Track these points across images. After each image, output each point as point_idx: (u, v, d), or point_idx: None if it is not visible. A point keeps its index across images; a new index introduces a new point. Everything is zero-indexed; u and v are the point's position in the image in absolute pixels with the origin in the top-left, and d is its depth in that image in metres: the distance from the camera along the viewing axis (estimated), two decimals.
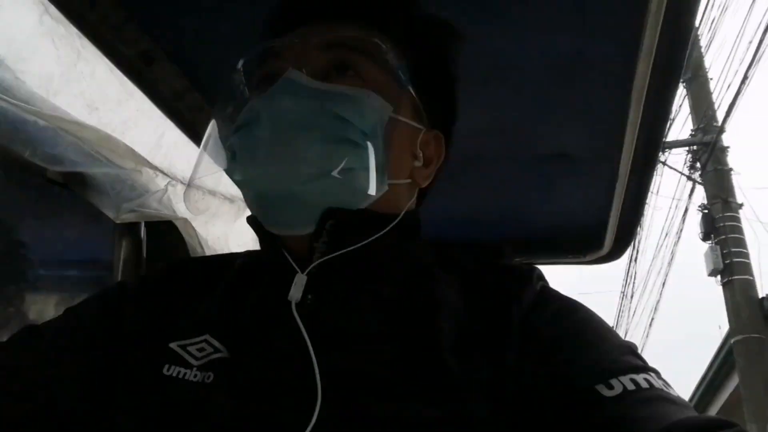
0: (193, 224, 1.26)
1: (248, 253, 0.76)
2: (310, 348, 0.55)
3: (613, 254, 1.44)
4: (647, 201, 1.13)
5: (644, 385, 0.51)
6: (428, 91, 0.70)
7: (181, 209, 1.22)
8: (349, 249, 0.60)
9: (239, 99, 0.68)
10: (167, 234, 1.29)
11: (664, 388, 0.52)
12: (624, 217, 1.21)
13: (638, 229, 1.29)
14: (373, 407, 0.53)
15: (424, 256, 0.69)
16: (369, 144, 0.60)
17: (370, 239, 0.61)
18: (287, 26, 0.68)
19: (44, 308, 1.19)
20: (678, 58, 0.74)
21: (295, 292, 0.59)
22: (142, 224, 1.29)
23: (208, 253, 1.32)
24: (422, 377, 0.55)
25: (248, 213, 0.69)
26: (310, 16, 0.68)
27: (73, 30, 0.93)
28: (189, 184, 0.71)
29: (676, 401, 0.51)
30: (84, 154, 1.12)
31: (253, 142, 0.60)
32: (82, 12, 0.88)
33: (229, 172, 0.64)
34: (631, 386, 0.51)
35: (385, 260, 0.64)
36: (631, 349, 0.58)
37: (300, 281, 0.59)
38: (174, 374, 0.57)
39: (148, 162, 1.14)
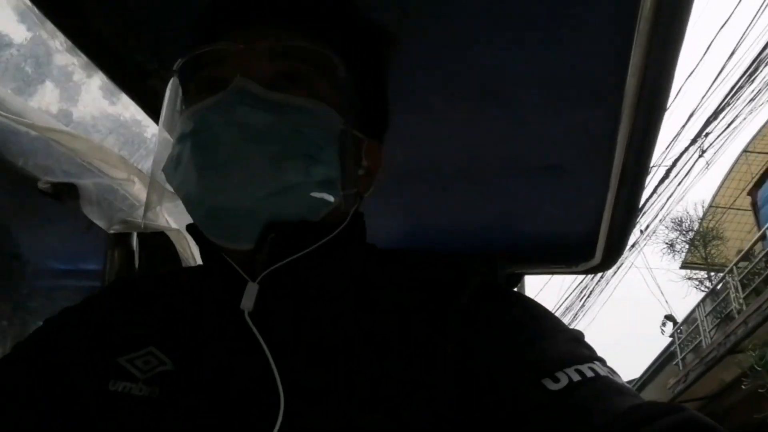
0: (186, 235, 1.25)
1: (195, 268, 0.75)
2: (270, 357, 0.54)
3: (605, 264, 1.45)
4: (638, 212, 1.13)
5: (589, 374, 0.51)
6: (369, 102, 0.69)
7: (173, 220, 1.22)
8: (292, 258, 0.59)
9: (182, 103, 0.65)
10: (159, 245, 1.29)
11: (610, 376, 0.52)
12: (615, 228, 1.22)
13: (628, 240, 1.29)
14: (330, 418, 0.53)
15: (366, 259, 0.68)
16: (324, 158, 0.60)
17: (311, 248, 0.60)
18: (225, 29, 0.65)
19: (38, 320, 1.18)
20: (667, 72, 0.75)
21: (247, 301, 0.58)
22: (135, 235, 1.29)
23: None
24: (365, 385, 0.54)
25: None
26: (250, 19, 0.65)
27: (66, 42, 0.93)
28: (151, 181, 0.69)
29: (622, 390, 0.50)
30: (76, 164, 1.12)
31: (204, 154, 0.58)
32: (80, 30, 0.87)
33: (171, 180, 0.61)
34: (576, 377, 0.50)
35: (329, 268, 0.63)
36: (576, 338, 0.58)
37: (252, 290, 0.58)
38: (119, 389, 0.56)
39: (140, 172, 1.14)
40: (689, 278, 12.64)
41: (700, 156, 7.03)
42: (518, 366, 0.54)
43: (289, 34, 0.63)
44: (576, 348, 0.56)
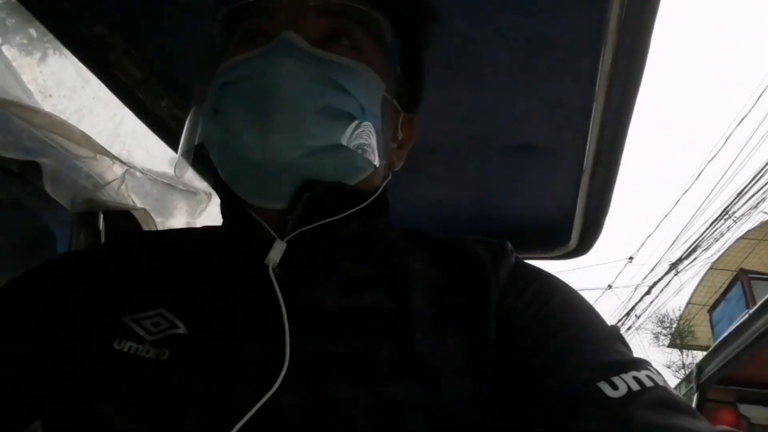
0: (153, 215, 1.22)
1: (206, 229, 0.72)
2: (285, 316, 0.52)
3: (580, 249, 1.44)
4: (612, 195, 1.12)
5: (648, 384, 0.50)
6: (409, 74, 0.68)
7: (139, 199, 1.18)
8: (324, 221, 0.58)
9: (219, 53, 0.63)
10: (126, 225, 1.25)
11: (667, 386, 0.51)
12: (590, 211, 1.21)
13: (604, 223, 1.28)
14: (339, 387, 0.51)
15: (391, 232, 0.68)
16: (367, 122, 0.58)
17: (345, 214, 0.59)
18: None
19: None
20: (642, 44, 0.74)
21: (273, 256, 0.56)
22: (101, 214, 1.25)
23: None
24: (389, 358, 0.53)
25: (213, 206, 0.67)
26: None
27: (25, 15, 0.89)
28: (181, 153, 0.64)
29: (681, 407, 0.49)
30: (38, 141, 1.08)
31: (250, 105, 0.55)
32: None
33: (205, 129, 0.59)
34: (635, 386, 0.49)
35: (357, 236, 0.62)
36: (619, 335, 0.57)
37: (279, 247, 0.57)
38: (125, 349, 0.54)
39: (104, 150, 1.11)
40: (668, 366, 17.40)
41: (675, 275, 10.25)
42: (570, 361, 0.52)
43: None
44: (623, 349, 0.55)
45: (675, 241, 9.93)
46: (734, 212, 8.43)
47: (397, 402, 0.50)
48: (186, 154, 0.63)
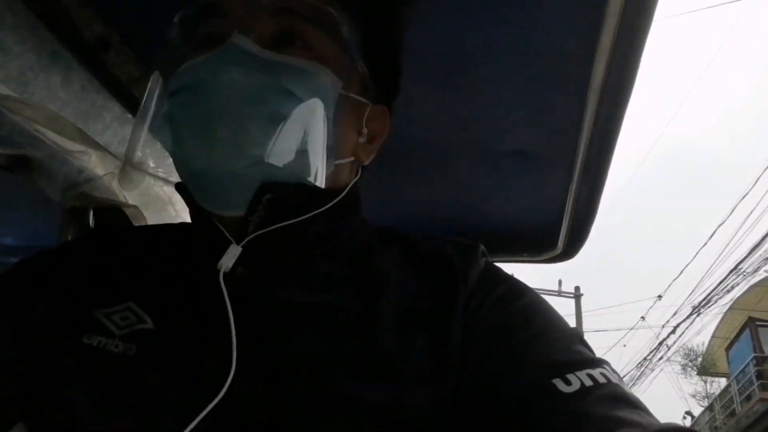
0: (144, 212, 1.22)
1: (180, 225, 0.73)
2: (231, 320, 0.53)
3: (567, 254, 1.46)
4: (600, 201, 1.15)
5: (601, 380, 0.51)
6: (377, 65, 0.67)
7: (130, 195, 1.18)
8: (285, 223, 0.58)
9: (177, 58, 0.62)
10: (116, 221, 1.25)
11: (620, 384, 0.52)
12: (577, 217, 1.23)
13: (591, 228, 1.30)
14: (290, 386, 0.51)
15: (363, 231, 0.67)
16: (317, 123, 0.57)
17: (307, 215, 0.59)
18: None
19: None
20: (634, 56, 0.75)
21: (226, 261, 0.56)
22: (90, 210, 1.24)
23: None
24: (352, 357, 0.53)
25: None
26: None
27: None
28: (126, 159, 0.64)
29: (632, 402, 0.50)
30: (29, 135, 1.07)
31: (194, 114, 0.55)
32: None
33: (158, 137, 0.59)
34: (588, 382, 0.50)
35: (323, 236, 0.62)
36: (580, 338, 0.58)
37: (233, 251, 0.57)
38: (94, 344, 0.54)
39: (97, 144, 1.10)
40: (693, 395, 19.97)
41: (696, 315, 12.04)
42: (526, 361, 0.53)
43: None
44: (582, 349, 0.56)
45: (694, 289, 11.90)
46: (744, 269, 10.32)
47: (356, 402, 0.51)
48: (130, 165, 0.64)
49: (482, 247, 0.67)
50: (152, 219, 1.27)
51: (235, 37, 0.56)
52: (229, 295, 0.55)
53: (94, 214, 1.27)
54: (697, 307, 11.78)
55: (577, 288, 14.76)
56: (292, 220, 0.58)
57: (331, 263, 0.62)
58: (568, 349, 0.55)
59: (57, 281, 0.62)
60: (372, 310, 0.57)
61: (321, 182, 0.58)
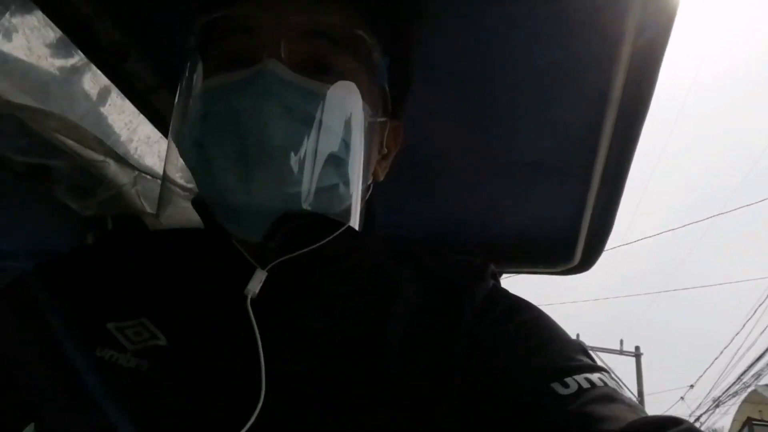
0: (162, 221, 1.23)
1: (188, 233, 0.71)
2: (260, 345, 0.53)
3: (584, 265, 1.45)
4: (617, 214, 1.14)
5: (599, 383, 0.52)
6: (400, 85, 0.67)
7: (149, 204, 1.19)
8: (306, 250, 0.57)
9: (199, 70, 0.60)
10: (135, 229, 1.26)
11: (618, 389, 0.53)
12: (594, 229, 1.22)
13: (607, 241, 1.29)
14: (313, 413, 0.52)
15: (376, 250, 0.67)
16: (352, 157, 0.56)
17: (325, 240, 0.58)
18: None
19: None
20: (653, 67, 0.75)
21: (253, 287, 0.56)
22: (109, 219, 1.26)
23: None
24: (363, 383, 0.54)
25: None
26: None
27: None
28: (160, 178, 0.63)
29: (629, 403, 0.51)
30: (49, 144, 1.09)
31: (229, 147, 0.53)
32: (55, 6, 0.85)
33: (187, 160, 0.57)
34: (586, 384, 0.51)
35: (339, 259, 0.62)
36: (581, 348, 0.58)
37: (259, 276, 0.56)
38: (107, 357, 0.54)
39: (116, 154, 1.11)
40: None
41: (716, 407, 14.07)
42: (527, 369, 0.54)
43: (324, 8, 0.57)
44: (583, 357, 0.56)
45: (713, 387, 14.04)
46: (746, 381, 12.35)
47: (362, 422, 0.52)
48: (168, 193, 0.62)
49: (492, 267, 0.68)
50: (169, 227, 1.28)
51: (269, 62, 0.53)
52: (223, 322, 0.56)
53: (112, 222, 1.29)
54: (717, 399, 14.02)
55: (637, 348, 15.47)
56: (313, 246, 0.57)
57: (344, 285, 0.62)
58: (569, 357, 0.56)
59: (72, 288, 0.62)
60: (377, 334, 0.57)
61: (354, 214, 0.58)
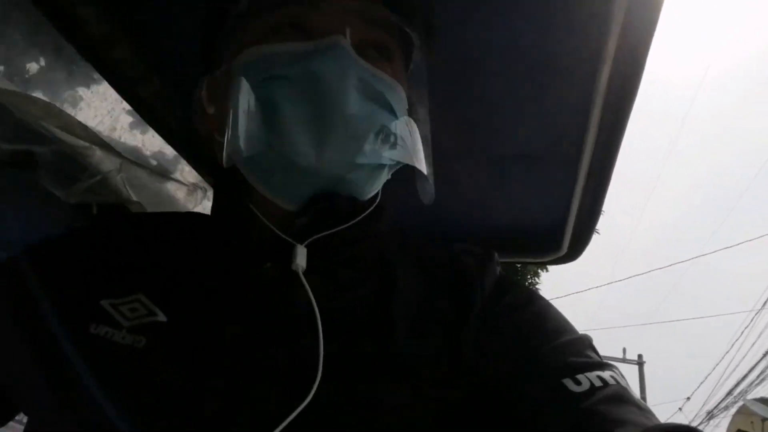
0: (147, 209, 1.22)
1: (189, 216, 0.71)
2: (319, 324, 0.53)
3: (571, 254, 1.46)
4: (603, 204, 1.14)
5: (610, 381, 0.52)
6: (421, 87, 0.68)
7: (134, 191, 1.18)
8: (338, 229, 0.59)
9: (249, 32, 0.59)
10: None
11: (628, 388, 0.53)
12: (581, 219, 1.22)
13: (593, 231, 1.30)
14: (358, 390, 0.52)
15: (385, 235, 0.68)
16: (399, 141, 0.59)
17: (352, 222, 0.60)
18: None
19: None
20: (639, 58, 0.75)
21: (300, 261, 0.56)
22: (94, 206, 1.25)
23: None
24: (372, 358, 0.54)
25: (208, 201, 0.65)
26: None
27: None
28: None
29: (638, 404, 0.51)
30: (34, 130, 1.08)
31: (308, 110, 0.53)
32: None
33: (252, 126, 0.54)
34: (598, 383, 0.51)
35: (355, 240, 0.62)
36: (590, 343, 0.59)
37: (302, 252, 0.56)
38: (101, 334, 0.54)
39: (101, 140, 1.10)
40: None
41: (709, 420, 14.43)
42: (539, 364, 0.54)
43: (375, 2, 0.59)
44: (592, 353, 0.57)
45: (707, 400, 14.56)
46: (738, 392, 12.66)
47: (375, 403, 0.52)
48: (235, 151, 0.55)
49: (496, 255, 0.68)
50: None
51: (339, 39, 0.54)
52: (257, 296, 0.56)
53: (98, 210, 1.28)
54: (711, 412, 14.51)
55: (640, 356, 15.83)
56: (343, 225, 0.59)
57: (357, 267, 0.62)
58: (579, 352, 0.56)
59: (63, 270, 0.61)
60: (387, 312, 0.58)
61: (374, 194, 0.62)
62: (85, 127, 1.11)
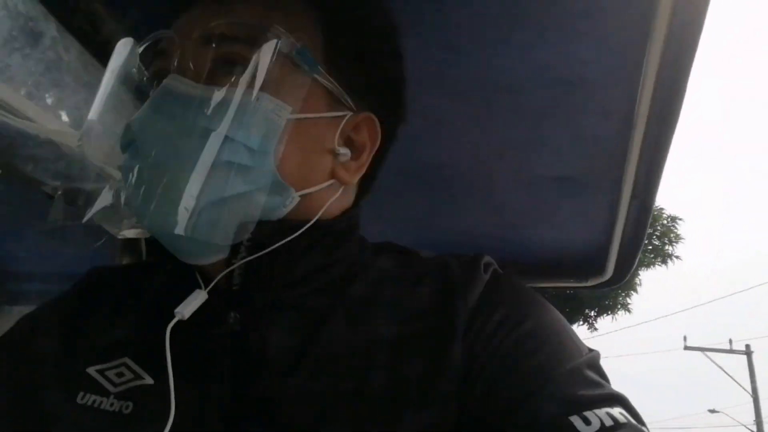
0: None
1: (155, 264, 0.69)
2: (170, 372, 0.51)
3: (615, 279, 1.43)
4: (648, 226, 1.12)
5: (621, 420, 0.48)
6: (349, 68, 0.59)
7: None
8: (258, 254, 0.53)
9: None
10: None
11: (640, 426, 0.49)
12: (625, 242, 1.20)
13: (639, 254, 1.27)
14: (296, 428, 0.50)
15: (359, 257, 0.62)
16: (262, 161, 0.52)
17: (276, 245, 0.53)
18: (174, 14, 0.57)
19: None
20: (680, 82, 0.74)
21: (182, 308, 0.53)
22: (143, 241, 1.28)
23: None
24: (346, 395, 0.52)
25: None
26: (189, 0, 0.56)
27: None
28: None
29: None
30: (84, 168, 1.12)
31: (129, 175, 0.51)
32: (88, 33, 0.87)
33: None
34: (608, 422, 0.47)
35: (316, 269, 0.58)
36: (595, 365, 0.55)
37: (199, 297, 0.53)
38: (89, 403, 0.53)
39: None
40: None
41: None
42: (541, 393, 0.50)
43: (229, 9, 0.55)
44: (598, 379, 0.53)
45: None
46: None
47: None
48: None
49: (486, 258, 0.62)
50: None
51: (167, 80, 0.52)
52: (224, 343, 0.54)
53: (146, 243, 1.31)
54: None
55: (747, 346, 15.10)
56: (263, 251, 0.53)
57: (323, 297, 0.58)
58: (584, 380, 0.52)
59: (52, 338, 0.60)
60: (363, 342, 0.54)
61: (284, 215, 0.55)
62: None
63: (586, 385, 0.52)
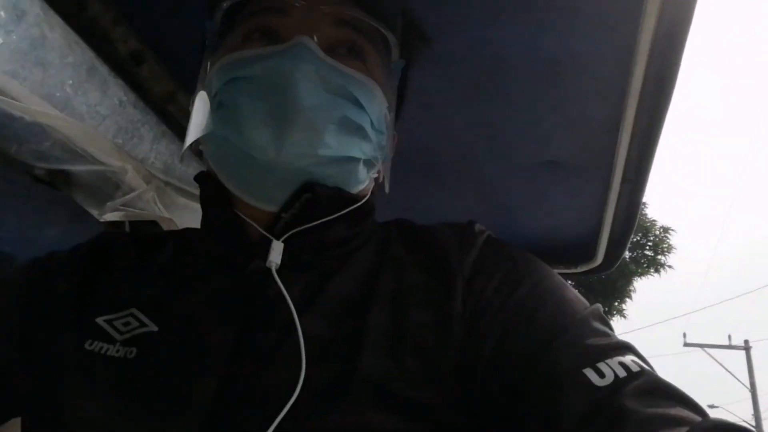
0: (177, 223, 1.23)
1: (190, 230, 0.72)
2: (294, 313, 0.52)
3: (606, 264, 1.43)
4: (639, 211, 1.11)
5: (635, 368, 0.47)
6: (402, 94, 0.68)
7: (165, 208, 1.20)
8: (318, 222, 0.58)
9: (225, 45, 0.61)
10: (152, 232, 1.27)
11: (653, 372, 0.48)
12: (616, 228, 1.19)
13: (630, 240, 1.26)
14: (352, 366, 0.50)
15: (374, 233, 0.66)
16: (374, 137, 0.59)
17: (335, 215, 0.59)
18: None
19: None
20: (674, 61, 0.73)
21: (274, 258, 0.56)
22: (127, 223, 1.27)
23: None
24: (343, 340, 0.53)
25: None
26: None
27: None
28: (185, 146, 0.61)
29: (671, 393, 0.46)
30: (70, 151, 1.10)
31: (265, 104, 0.54)
32: (73, 13, 0.86)
33: (207, 123, 0.57)
34: (622, 372, 0.47)
35: (340, 241, 0.61)
36: (600, 315, 0.55)
37: (278, 248, 0.56)
38: (96, 349, 0.54)
39: (133, 160, 1.12)
40: None
41: None
42: (550, 347, 0.50)
43: (349, 3, 0.61)
44: (605, 329, 0.53)
45: None
46: None
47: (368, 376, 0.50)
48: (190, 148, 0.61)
49: (478, 224, 0.65)
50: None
51: (302, 38, 0.55)
52: (239, 292, 0.55)
53: (129, 227, 1.30)
54: None
55: (746, 341, 15.11)
56: (324, 219, 0.58)
57: (336, 262, 0.60)
58: (591, 331, 0.51)
59: (63, 286, 0.61)
60: (368, 294, 0.56)
61: (358, 190, 0.61)
62: (118, 147, 1.13)
63: (595, 335, 0.51)
